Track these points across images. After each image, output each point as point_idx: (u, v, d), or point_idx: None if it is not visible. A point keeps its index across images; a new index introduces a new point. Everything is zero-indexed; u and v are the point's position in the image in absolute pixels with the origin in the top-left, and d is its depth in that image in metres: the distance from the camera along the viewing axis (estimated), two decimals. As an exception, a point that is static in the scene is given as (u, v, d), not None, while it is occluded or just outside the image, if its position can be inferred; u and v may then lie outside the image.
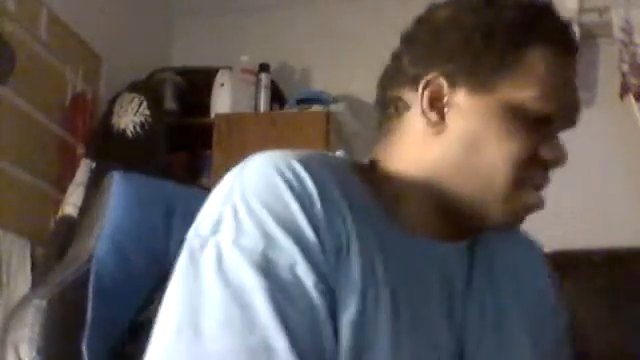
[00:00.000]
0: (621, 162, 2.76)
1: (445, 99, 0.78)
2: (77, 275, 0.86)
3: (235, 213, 0.68)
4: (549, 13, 0.79)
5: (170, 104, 2.85)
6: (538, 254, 0.95)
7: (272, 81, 2.90)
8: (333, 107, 2.79)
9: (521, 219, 0.80)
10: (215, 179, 2.91)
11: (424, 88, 0.78)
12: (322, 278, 0.66)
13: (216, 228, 0.68)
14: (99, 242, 0.87)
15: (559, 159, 0.78)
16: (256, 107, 2.84)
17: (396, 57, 0.84)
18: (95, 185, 2.39)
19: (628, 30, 2.73)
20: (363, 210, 0.73)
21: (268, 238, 0.66)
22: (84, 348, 0.79)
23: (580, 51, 0.82)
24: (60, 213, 2.35)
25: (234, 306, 0.63)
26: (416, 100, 0.79)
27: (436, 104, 0.78)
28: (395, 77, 0.83)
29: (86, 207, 2.35)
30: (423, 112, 0.78)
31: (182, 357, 0.62)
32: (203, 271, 0.66)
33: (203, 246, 0.67)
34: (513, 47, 0.76)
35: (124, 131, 2.55)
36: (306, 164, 0.72)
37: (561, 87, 0.78)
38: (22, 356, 0.80)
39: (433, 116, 0.78)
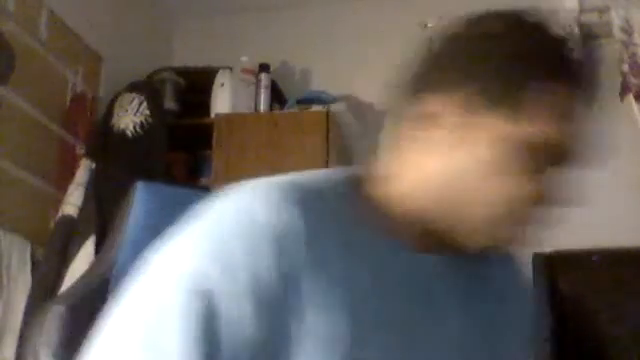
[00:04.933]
0: (622, 162, 2.76)
1: (456, 119, 0.77)
2: (98, 282, 0.87)
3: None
4: (565, 50, 0.79)
5: (170, 104, 2.85)
6: (515, 261, 0.96)
7: (272, 81, 2.90)
8: (333, 107, 2.79)
9: (502, 249, 0.82)
10: (215, 179, 2.90)
11: (430, 107, 0.78)
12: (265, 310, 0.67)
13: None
14: (120, 250, 0.88)
15: (559, 196, 0.78)
16: (256, 107, 2.84)
17: (416, 69, 0.83)
18: (95, 185, 2.40)
19: (628, 30, 2.73)
20: (347, 232, 0.76)
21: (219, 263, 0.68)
22: None
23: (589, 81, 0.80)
24: (60, 213, 2.35)
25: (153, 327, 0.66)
26: (428, 116, 0.79)
27: (446, 123, 0.78)
28: (411, 89, 0.82)
29: (85, 207, 2.35)
30: (432, 129, 0.78)
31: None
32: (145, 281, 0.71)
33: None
34: (522, 81, 0.76)
35: (124, 131, 2.55)
36: (294, 199, 0.73)
37: (567, 124, 0.77)
38: (40, 360, 0.80)
39: (441, 135, 0.78)
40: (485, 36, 0.79)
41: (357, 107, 2.98)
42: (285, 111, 2.88)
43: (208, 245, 0.70)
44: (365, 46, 3.07)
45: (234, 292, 0.67)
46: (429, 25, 2.91)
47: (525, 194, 0.76)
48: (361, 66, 3.04)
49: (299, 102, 2.86)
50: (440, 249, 0.82)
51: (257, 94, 2.85)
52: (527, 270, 0.98)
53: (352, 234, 0.76)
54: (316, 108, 2.78)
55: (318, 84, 3.08)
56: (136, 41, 3.04)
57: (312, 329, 0.69)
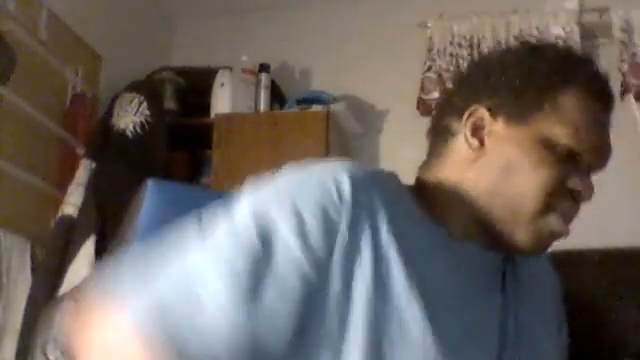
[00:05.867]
0: (621, 162, 2.76)
1: (486, 128, 0.88)
2: None
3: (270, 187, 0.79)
4: (588, 63, 0.91)
5: (170, 104, 2.86)
6: (548, 263, 1.03)
7: (272, 81, 2.91)
8: (333, 107, 2.79)
9: (545, 245, 0.89)
10: (215, 179, 2.89)
11: (468, 117, 0.89)
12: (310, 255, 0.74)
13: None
14: (129, 246, 0.88)
15: (586, 193, 0.88)
16: (256, 107, 2.85)
17: (449, 93, 0.97)
18: (95, 185, 2.40)
19: (628, 30, 2.73)
20: (411, 221, 0.84)
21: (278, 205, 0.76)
22: None
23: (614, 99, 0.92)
24: (60, 213, 2.36)
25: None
26: (461, 128, 0.89)
27: (478, 132, 0.88)
28: (446, 109, 0.94)
29: (85, 207, 2.35)
30: (466, 138, 0.88)
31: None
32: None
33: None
34: (549, 88, 0.86)
35: (124, 131, 2.55)
36: (355, 178, 0.80)
37: (591, 130, 0.87)
38: (48, 355, 0.80)
39: (474, 142, 0.88)
40: (512, 56, 0.91)
41: (357, 107, 2.98)
42: (285, 111, 2.88)
43: (287, 187, 0.78)
44: (365, 46, 3.07)
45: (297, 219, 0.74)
46: (429, 25, 2.92)
47: (554, 184, 0.85)
48: (361, 66, 3.04)
49: (299, 102, 2.86)
50: (488, 245, 0.88)
51: (257, 94, 2.85)
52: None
53: (414, 220, 0.84)
54: (316, 108, 2.79)
55: (318, 84, 3.08)
56: (136, 41, 3.05)
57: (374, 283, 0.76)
